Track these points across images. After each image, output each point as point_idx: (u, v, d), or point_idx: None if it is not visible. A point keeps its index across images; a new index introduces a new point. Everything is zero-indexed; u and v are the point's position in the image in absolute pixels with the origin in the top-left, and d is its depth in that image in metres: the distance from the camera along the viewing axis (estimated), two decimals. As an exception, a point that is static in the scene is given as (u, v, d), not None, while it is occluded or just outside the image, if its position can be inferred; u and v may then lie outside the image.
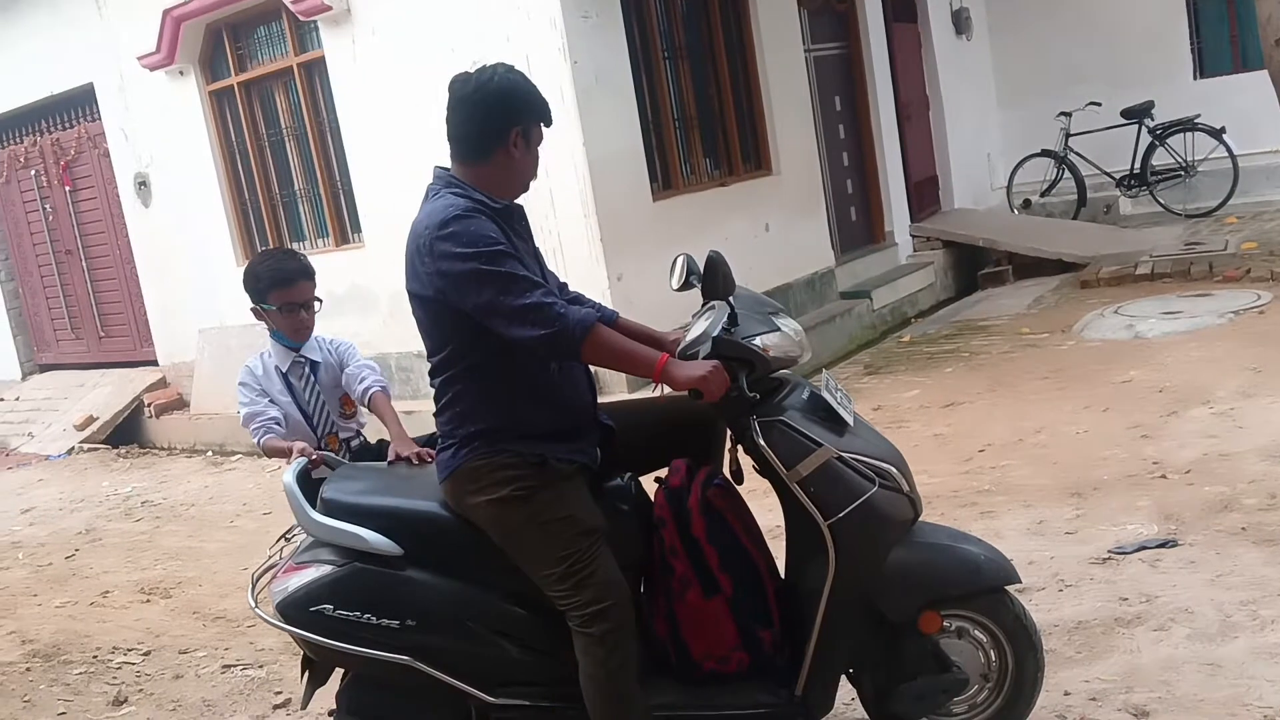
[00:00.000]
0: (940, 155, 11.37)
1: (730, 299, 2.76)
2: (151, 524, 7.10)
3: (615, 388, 6.86)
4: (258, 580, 3.09)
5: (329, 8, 7.83)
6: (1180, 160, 10.80)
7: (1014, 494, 4.82)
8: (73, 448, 9.75)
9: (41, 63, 10.21)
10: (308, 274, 3.60)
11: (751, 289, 3.04)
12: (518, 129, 2.71)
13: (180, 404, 9.88)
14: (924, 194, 10.98)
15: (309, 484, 3.03)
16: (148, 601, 5.50)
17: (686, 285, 2.95)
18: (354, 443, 3.67)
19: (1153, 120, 10.96)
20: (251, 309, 3.63)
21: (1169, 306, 7.62)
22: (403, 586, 2.78)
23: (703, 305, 2.91)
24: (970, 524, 4.30)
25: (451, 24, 7.35)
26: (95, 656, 4.81)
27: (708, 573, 2.79)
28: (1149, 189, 10.99)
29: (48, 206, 11.32)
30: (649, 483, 2.94)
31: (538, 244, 2.94)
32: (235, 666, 4.46)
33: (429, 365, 2.82)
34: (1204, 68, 11.51)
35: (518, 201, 2.83)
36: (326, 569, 2.82)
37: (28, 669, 4.78)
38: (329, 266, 6.30)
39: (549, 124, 2.81)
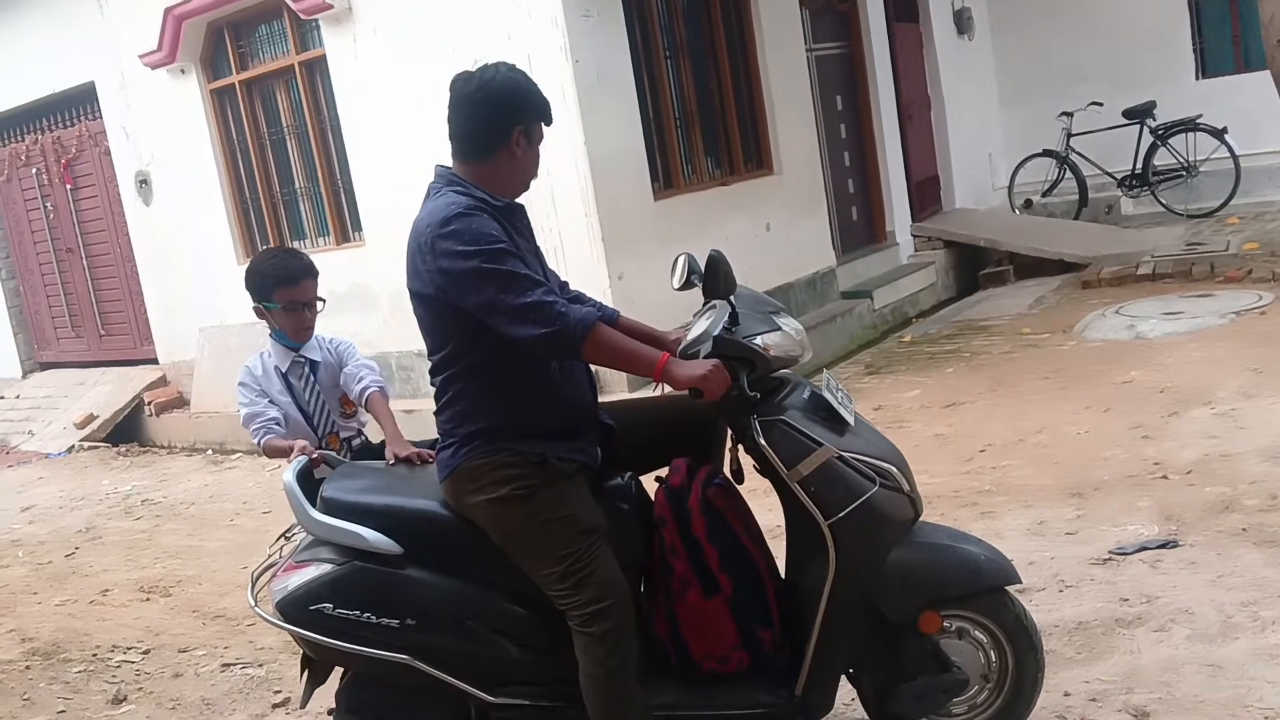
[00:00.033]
0: (941, 155, 11.36)
1: (731, 298, 2.76)
2: (151, 522, 7.10)
3: (616, 387, 6.86)
4: (257, 579, 3.09)
5: (330, 6, 7.82)
6: (1182, 160, 10.79)
7: (1014, 494, 4.82)
8: (73, 446, 9.75)
9: (43, 61, 10.21)
10: (312, 273, 3.58)
11: (752, 288, 3.03)
12: (519, 128, 2.71)
13: (180, 402, 9.89)
14: (925, 194, 10.97)
15: (309, 483, 3.02)
16: (147, 600, 5.49)
17: (687, 284, 2.94)
18: (355, 442, 3.65)
19: (1154, 120, 10.96)
20: (254, 308, 3.60)
21: (1170, 307, 7.61)
22: (402, 585, 2.78)
23: (704, 304, 2.90)
24: (970, 524, 4.29)
25: (453, 23, 7.36)
26: (95, 655, 4.80)
27: (708, 572, 2.78)
28: (1150, 189, 10.99)
29: (49, 205, 11.32)
30: (649, 482, 2.93)
31: (539, 243, 2.93)
32: (235, 665, 4.46)
33: (429, 364, 2.82)
34: (1206, 68, 11.50)
35: (519, 200, 2.83)
36: (326, 568, 2.82)
37: (27, 667, 4.78)
38: (330, 265, 6.26)
39: (550, 123, 2.81)
